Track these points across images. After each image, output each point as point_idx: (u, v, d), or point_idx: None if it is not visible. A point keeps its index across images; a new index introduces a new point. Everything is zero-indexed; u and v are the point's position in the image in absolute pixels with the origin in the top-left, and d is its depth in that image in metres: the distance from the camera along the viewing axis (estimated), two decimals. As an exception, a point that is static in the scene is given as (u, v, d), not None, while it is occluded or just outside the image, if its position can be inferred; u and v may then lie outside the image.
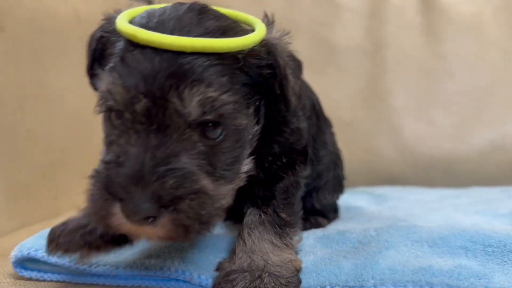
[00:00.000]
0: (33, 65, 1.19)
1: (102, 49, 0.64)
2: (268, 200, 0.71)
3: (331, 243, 0.74)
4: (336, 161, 1.01)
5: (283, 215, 0.70)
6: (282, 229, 0.70)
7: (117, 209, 0.52)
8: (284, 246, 0.68)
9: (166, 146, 0.54)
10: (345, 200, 1.16)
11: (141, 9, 0.65)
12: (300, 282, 0.64)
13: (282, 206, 0.71)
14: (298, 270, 0.66)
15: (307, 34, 1.63)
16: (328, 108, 1.58)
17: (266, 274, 0.63)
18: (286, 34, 0.69)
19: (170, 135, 0.54)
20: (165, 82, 0.53)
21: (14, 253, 0.74)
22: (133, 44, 0.56)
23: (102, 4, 1.53)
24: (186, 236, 0.54)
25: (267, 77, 0.62)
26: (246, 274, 0.63)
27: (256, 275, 0.62)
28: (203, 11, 0.61)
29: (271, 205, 0.71)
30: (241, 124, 0.60)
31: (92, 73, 0.67)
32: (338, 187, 1.03)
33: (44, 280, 0.73)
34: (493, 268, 0.64)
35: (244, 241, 0.68)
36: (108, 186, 0.53)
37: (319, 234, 0.78)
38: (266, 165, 0.70)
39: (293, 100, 0.64)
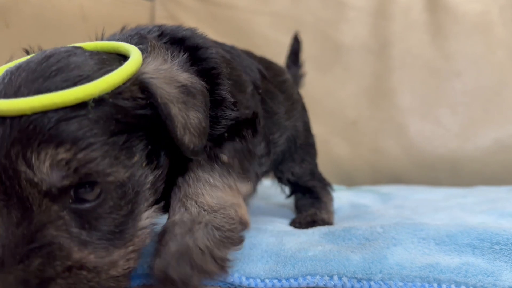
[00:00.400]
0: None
1: None
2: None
3: (337, 239, 0.73)
4: (296, 134, 0.97)
5: (225, 158, 0.63)
6: (222, 169, 0.62)
7: None
8: (226, 187, 0.61)
9: (29, 221, 0.47)
10: (350, 198, 1.15)
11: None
12: (242, 240, 0.58)
13: (227, 154, 0.63)
14: (242, 223, 0.60)
15: (313, 33, 1.63)
16: (333, 106, 1.59)
17: (200, 226, 0.55)
18: (177, 59, 0.59)
19: (30, 208, 0.47)
20: (11, 150, 0.46)
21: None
22: None
23: (107, 2, 1.53)
24: None
25: (152, 117, 0.54)
26: (176, 228, 0.55)
27: (187, 228, 0.54)
28: (58, 60, 0.52)
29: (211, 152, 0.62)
30: (121, 179, 0.51)
31: None
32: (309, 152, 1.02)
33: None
34: (501, 265, 0.63)
35: (178, 188, 0.60)
36: None
37: (324, 231, 0.77)
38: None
39: (186, 139, 0.55)
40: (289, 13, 1.66)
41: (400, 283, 0.61)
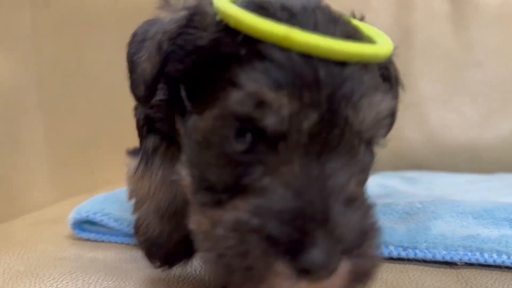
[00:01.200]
0: (75, 41, 1.23)
1: (185, 51, 0.48)
2: None
3: (378, 213, 0.76)
4: None
5: None
6: None
7: (284, 267, 0.37)
8: None
9: (338, 174, 0.41)
10: (377, 180, 1.18)
11: None
12: None
13: None
14: None
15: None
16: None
17: None
18: None
19: (339, 158, 0.42)
20: (336, 92, 0.41)
21: (73, 215, 0.77)
22: (275, 46, 0.41)
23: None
24: (364, 285, 0.42)
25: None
26: None
27: None
28: (329, 9, 0.50)
29: None
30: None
31: (152, 85, 0.49)
32: None
33: (102, 241, 0.76)
34: (536, 238, 0.67)
35: None
36: (272, 233, 0.37)
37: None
38: None
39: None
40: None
41: (444, 252, 0.64)
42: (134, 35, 0.52)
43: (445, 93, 1.56)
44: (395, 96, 0.56)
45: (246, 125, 0.41)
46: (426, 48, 1.59)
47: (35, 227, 0.87)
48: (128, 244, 0.75)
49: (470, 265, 0.64)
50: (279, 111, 0.39)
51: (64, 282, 0.60)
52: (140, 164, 0.58)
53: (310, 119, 0.40)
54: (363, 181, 0.49)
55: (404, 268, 0.64)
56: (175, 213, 0.55)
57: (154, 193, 0.56)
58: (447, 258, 0.64)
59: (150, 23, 0.51)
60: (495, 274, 0.62)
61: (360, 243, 0.40)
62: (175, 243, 0.56)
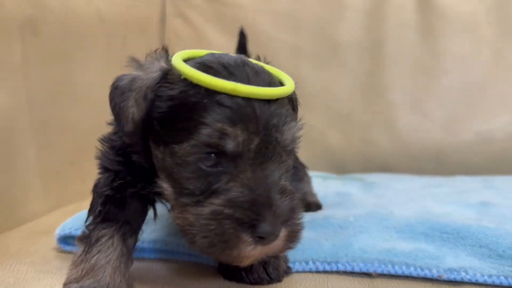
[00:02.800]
0: (63, 65, 1.34)
1: (164, 99, 0.65)
2: None
3: (316, 226, 0.89)
4: None
5: None
6: None
7: (247, 237, 0.59)
8: None
9: (273, 174, 0.64)
10: (337, 187, 1.31)
11: (187, 54, 0.70)
12: None
13: None
14: None
15: (312, 31, 1.75)
16: (329, 100, 1.72)
17: None
18: None
19: (272, 164, 0.64)
20: (268, 122, 0.63)
21: (58, 231, 0.90)
22: (227, 95, 0.62)
23: (120, 2, 1.67)
24: (296, 243, 0.65)
25: None
26: None
27: None
28: (252, 64, 0.70)
29: None
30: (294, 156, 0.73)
31: (140, 125, 0.66)
32: None
33: (82, 253, 0.89)
34: (446, 251, 0.79)
35: None
36: (238, 217, 0.59)
37: (308, 219, 0.92)
38: None
39: None
40: (289, 12, 1.78)
41: (362, 264, 0.76)
42: (116, 87, 0.69)
43: (413, 99, 1.67)
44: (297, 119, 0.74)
45: (213, 149, 0.63)
46: (396, 57, 1.69)
47: (27, 239, 1.00)
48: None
49: (384, 275, 0.76)
50: (236, 139, 0.61)
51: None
52: (81, 253, 0.73)
53: (254, 142, 0.62)
54: (287, 176, 0.69)
55: (326, 277, 0.76)
56: None
57: (81, 278, 0.70)
58: (364, 270, 0.76)
59: (130, 79, 0.68)
60: (403, 282, 0.74)
61: (291, 216, 0.63)
62: None
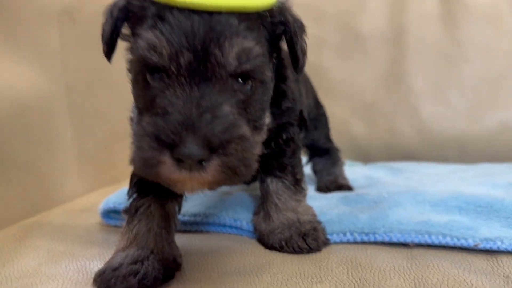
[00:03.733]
0: (98, 52, 1.38)
1: (128, 16, 0.67)
2: (283, 168, 0.85)
3: (351, 202, 0.92)
4: (309, 110, 1.14)
5: (298, 176, 0.86)
6: (297, 187, 0.86)
7: (166, 157, 0.56)
8: (302, 198, 0.86)
9: (210, 96, 0.59)
10: (365, 172, 1.33)
11: None
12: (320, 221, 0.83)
13: (295, 171, 0.85)
14: (314, 214, 0.84)
15: (334, 22, 1.78)
16: (353, 90, 1.75)
17: (300, 222, 0.82)
18: None
19: (212, 86, 0.59)
20: (206, 37, 0.58)
21: (102, 206, 0.94)
22: (169, 7, 0.60)
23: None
24: (233, 178, 0.59)
25: (278, 34, 0.69)
26: (288, 226, 0.80)
27: (296, 225, 0.81)
28: None
29: (287, 172, 0.85)
30: (267, 77, 0.66)
31: (110, 42, 0.70)
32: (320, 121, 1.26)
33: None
34: (481, 223, 0.81)
35: (276, 205, 0.84)
36: (158, 135, 0.56)
37: (341, 195, 0.95)
38: (273, 143, 0.82)
39: (301, 57, 0.71)
40: (312, 3, 1.80)
41: (399, 235, 0.79)
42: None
43: (436, 88, 1.69)
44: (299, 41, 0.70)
45: (145, 63, 0.61)
46: (418, 46, 1.71)
47: (69, 215, 1.04)
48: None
49: (421, 246, 0.79)
50: (161, 52, 0.59)
51: (94, 262, 0.76)
52: (125, 224, 0.76)
53: (184, 57, 0.58)
54: (251, 115, 0.65)
55: (364, 247, 0.79)
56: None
57: (127, 247, 0.72)
58: (401, 240, 0.78)
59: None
60: (439, 252, 0.77)
61: (224, 146, 0.57)
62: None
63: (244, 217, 0.87)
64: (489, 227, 0.79)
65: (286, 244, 0.79)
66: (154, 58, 0.59)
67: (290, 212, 0.84)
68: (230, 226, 0.86)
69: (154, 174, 0.58)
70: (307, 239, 0.79)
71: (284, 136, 0.84)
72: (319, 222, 0.82)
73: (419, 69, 1.70)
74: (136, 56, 0.61)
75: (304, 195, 0.87)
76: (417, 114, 1.68)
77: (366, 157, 1.70)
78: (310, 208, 0.85)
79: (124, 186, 1.03)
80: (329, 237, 0.81)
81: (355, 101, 1.74)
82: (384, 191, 0.95)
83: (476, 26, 1.68)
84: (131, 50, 0.64)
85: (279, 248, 0.79)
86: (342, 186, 1.15)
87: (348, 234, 0.81)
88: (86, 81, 1.34)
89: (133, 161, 0.60)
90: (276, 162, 0.84)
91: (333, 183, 1.17)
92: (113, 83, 1.45)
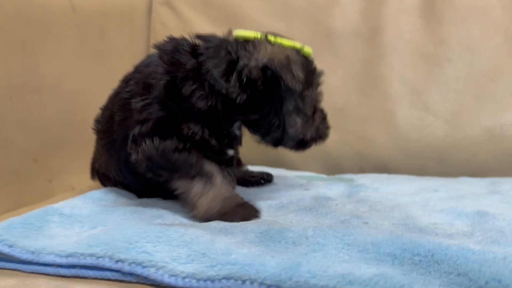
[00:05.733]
0: (23, 56, 1.24)
1: None
2: None
3: (268, 241, 0.75)
4: None
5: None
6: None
7: None
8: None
9: None
10: (319, 189, 1.17)
11: None
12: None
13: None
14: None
15: (304, 18, 1.60)
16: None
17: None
18: None
19: None
20: None
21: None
22: None
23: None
24: None
25: None
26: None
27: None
28: None
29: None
30: None
31: None
32: None
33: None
34: (416, 278, 0.64)
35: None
36: None
37: (263, 229, 0.79)
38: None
39: None
40: (280, -3, 1.64)
41: (302, 293, 0.62)
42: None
43: (414, 91, 1.51)
44: None
45: None
46: (395, 44, 1.53)
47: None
48: (21, 270, 0.75)
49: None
50: None
51: None
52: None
53: None
54: None
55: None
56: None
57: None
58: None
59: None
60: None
61: None
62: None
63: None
64: (424, 286, 0.62)
65: None
66: None
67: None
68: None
69: None
70: None
71: None
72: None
73: (396, 70, 1.52)
74: None
75: None
76: (393, 120, 1.51)
77: (335, 167, 1.53)
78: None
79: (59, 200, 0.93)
80: (224, 281, 0.65)
81: (324, 105, 1.55)
82: (312, 225, 0.79)
83: (461, 21, 1.50)
84: None
85: None
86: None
87: (247, 283, 0.65)
88: (7, 88, 1.19)
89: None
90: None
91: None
92: (45, 89, 1.32)
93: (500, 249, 0.69)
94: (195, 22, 1.71)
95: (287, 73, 0.87)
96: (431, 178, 1.35)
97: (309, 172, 1.46)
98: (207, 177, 0.91)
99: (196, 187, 0.91)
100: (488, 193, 1.12)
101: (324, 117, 1.08)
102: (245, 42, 0.93)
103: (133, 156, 0.92)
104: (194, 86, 0.90)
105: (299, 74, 0.90)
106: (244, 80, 0.89)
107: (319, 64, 1.64)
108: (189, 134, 0.90)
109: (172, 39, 0.99)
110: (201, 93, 0.90)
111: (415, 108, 1.50)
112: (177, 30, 1.74)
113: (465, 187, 1.20)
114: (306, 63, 1.00)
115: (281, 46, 0.94)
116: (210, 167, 0.93)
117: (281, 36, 1.00)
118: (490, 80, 1.46)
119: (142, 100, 0.92)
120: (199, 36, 0.98)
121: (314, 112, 1.03)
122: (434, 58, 1.50)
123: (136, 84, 0.97)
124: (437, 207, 1.00)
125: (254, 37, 0.94)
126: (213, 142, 0.94)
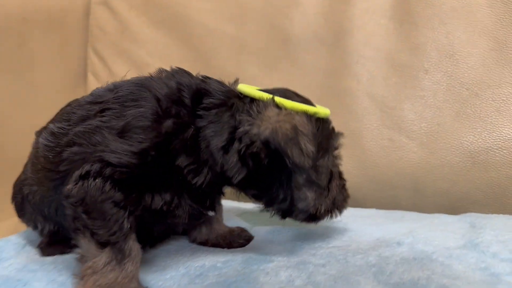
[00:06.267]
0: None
1: None
2: None
3: None
4: None
5: None
6: None
7: None
8: None
9: None
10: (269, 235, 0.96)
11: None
12: None
13: None
14: None
15: (259, 21, 1.39)
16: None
17: None
18: None
19: None
20: None
21: None
22: None
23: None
24: None
25: None
26: None
27: None
28: None
29: None
30: None
31: None
32: None
33: None
34: None
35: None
36: None
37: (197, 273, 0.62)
38: None
39: None
40: (232, -4, 1.41)
41: None
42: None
43: (384, 107, 1.29)
44: None
45: None
46: (363, 52, 1.31)
47: None
48: None
49: None
50: None
51: None
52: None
53: None
54: None
55: None
56: None
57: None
58: None
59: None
60: None
61: None
62: None
63: None
64: None
65: None
66: None
67: None
68: None
69: None
70: None
71: None
72: None
73: (363, 83, 1.30)
74: None
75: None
76: (359, 141, 1.29)
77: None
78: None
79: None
80: None
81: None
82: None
83: (440, 23, 1.27)
84: None
85: None
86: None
87: None
88: None
89: None
90: None
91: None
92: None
93: None
94: (134, 24, 1.50)
95: (293, 149, 0.73)
96: (401, 215, 1.14)
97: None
98: (121, 255, 0.75)
99: (100, 258, 0.75)
100: (464, 248, 0.91)
101: (343, 185, 0.93)
102: (250, 102, 0.81)
103: (69, 186, 0.76)
104: (190, 160, 0.78)
105: (309, 147, 0.75)
106: (244, 151, 0.78)
107: (275, 74, 1.43)
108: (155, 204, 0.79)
109: (170, 75, 0.83)
110: (195, 166, 0.79)
111: (385, 128, 1.27)
112: (116, 33, 1.53)
113: (438, 234, 0.98)
114: (321, 129, 0.84)
115: (288, 113, 0.78)
116: (133, 245, 0.77)
117: (294, 94, 0.88)
118: (474, 94, 1.23)
119: (121, 142, 0.76)
120: (204, 80, 0.84)
121: (330, 180, 0.88)
122: (408, 68, 1.27)
123: (115, 118, 0.79)
124: (393, 277, 0.78)
125: (260, 97, 0.81)
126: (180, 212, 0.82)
